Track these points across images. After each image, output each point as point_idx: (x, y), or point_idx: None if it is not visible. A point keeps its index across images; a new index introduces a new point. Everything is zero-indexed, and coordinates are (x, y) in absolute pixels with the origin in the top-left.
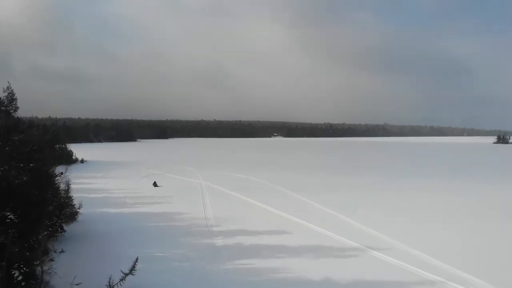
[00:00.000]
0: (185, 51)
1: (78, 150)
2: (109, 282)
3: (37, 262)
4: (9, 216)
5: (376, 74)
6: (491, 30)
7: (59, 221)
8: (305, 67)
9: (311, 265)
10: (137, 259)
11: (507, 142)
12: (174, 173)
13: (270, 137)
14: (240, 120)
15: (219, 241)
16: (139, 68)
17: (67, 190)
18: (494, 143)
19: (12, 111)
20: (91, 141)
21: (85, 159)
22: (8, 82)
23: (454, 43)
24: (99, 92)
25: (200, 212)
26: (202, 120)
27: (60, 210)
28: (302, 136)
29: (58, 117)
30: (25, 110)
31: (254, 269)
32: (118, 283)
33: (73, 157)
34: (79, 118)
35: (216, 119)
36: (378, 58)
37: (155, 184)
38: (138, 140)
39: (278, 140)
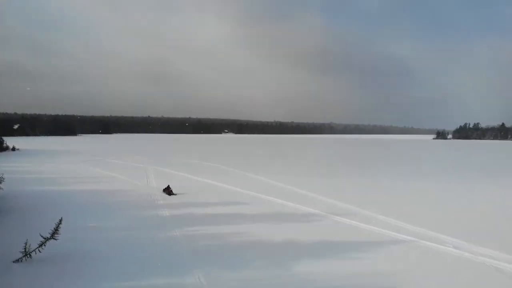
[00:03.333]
0: (131, 48)
1: (10, 141)
2: (25, 248)
3: None
4: None
5: (323, 74)
6: (428, 33)
7: None
8: (253, 65)
9: (271, 229)
10: (60, 220)
11: (446, 138)
12: (116, 159)
13: (221, 133)
14: (189, 117)
15: (166, 212)
16: (82, 64)
17: None
18: (433, 139)
19: None
20: (26, 134)
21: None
22: None
23: (395, 45)
24: (38, 88)
25: (145, 188)
26: (148, 116)
27: None
28: (253, 133)
29: None
30: None
31: (206, 234)
32: (37, 249)
33: (4, 145)
34: (15, 113)
35: (164, 116)
36: (325, 58)
37: (168, 191)
38: (79, 134)
39: (229, 136)
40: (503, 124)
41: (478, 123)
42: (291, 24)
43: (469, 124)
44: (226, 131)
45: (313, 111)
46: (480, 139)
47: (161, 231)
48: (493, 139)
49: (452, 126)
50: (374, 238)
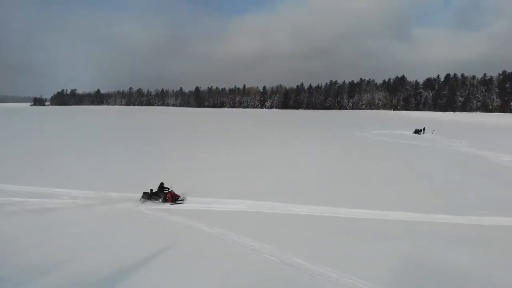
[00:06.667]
0: None
1: None
2: None
3: None
4: None
5: None
6: None
7: None
8: None
9: None
10: None
11: (44, 105)
12: None
13: None
14: None
15: None
16: None
17: None
18: (31, 105)
19: None
20: None
21: None
22: None
23: None
24: None
25: None
26: None
27: None
28: None
29: None
30: None
31: None
32: None
33: None
34: None
35: None
36: None
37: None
38: None
39: None
40: (98, 90)
41: (75, 89)
42: None
43: (67, 91)
44: None
45: None
46: (78, 104)
47: None
48: (90, 104)
49: (49, 93)
50: None
